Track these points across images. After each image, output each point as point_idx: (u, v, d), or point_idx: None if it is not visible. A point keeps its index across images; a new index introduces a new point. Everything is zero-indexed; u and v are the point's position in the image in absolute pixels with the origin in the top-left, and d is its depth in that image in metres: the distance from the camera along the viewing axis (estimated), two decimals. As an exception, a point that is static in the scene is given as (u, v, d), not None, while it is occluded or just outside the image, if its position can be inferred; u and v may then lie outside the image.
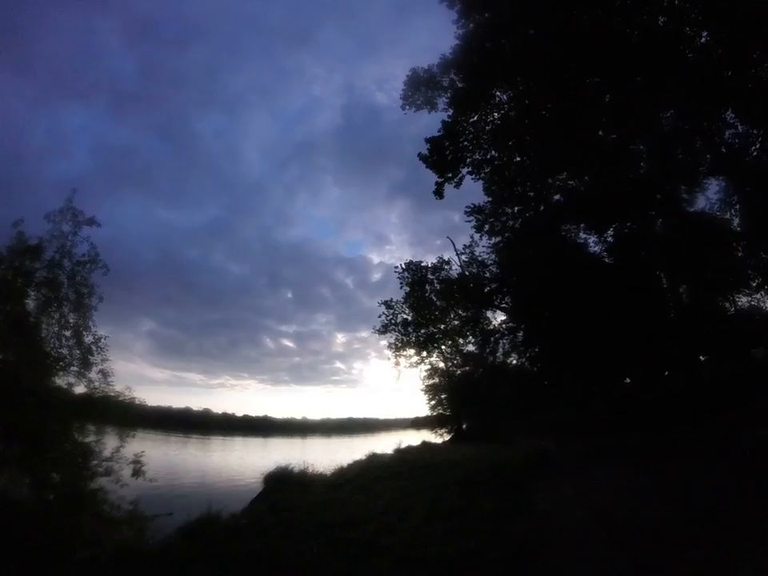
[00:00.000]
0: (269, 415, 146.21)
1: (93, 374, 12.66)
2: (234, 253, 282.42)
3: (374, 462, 19.24)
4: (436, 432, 38.79)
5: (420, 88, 19.76)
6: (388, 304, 39.31)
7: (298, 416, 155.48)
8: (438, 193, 21.50)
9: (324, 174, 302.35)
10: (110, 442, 12.45)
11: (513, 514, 7.73)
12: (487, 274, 26.65)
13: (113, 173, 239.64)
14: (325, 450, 53.99)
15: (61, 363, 12.25)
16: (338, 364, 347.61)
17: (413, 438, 44.34)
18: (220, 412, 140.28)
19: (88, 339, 12.73)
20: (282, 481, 12.69)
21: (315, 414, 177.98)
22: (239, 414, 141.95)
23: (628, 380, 20.83)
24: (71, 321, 12.47)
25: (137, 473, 12.28)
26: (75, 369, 12.41)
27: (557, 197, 21.68)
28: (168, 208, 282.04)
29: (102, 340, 13.01)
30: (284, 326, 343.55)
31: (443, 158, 20.82)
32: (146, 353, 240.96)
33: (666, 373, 20.20)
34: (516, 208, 22.59)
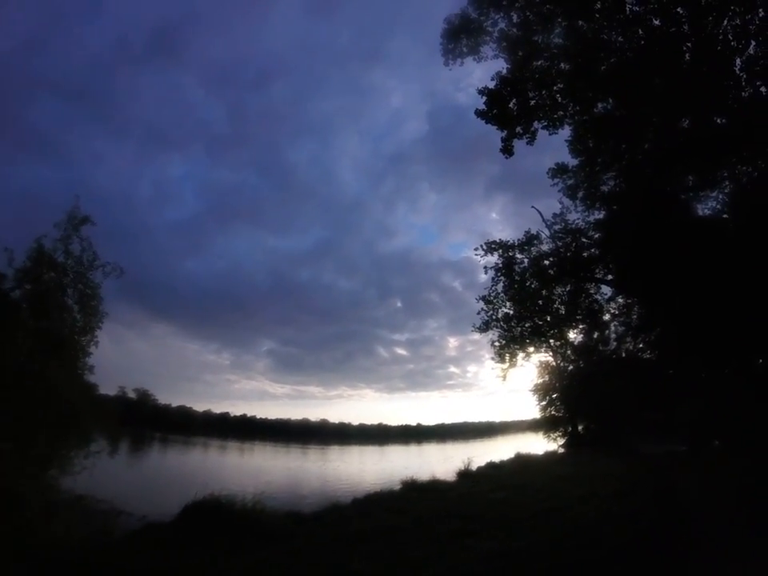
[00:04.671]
0: (383, 423, 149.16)
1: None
2: (342, 269, 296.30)
3: (401, 494, 16.37)
4: (548, 436, 35.35)
5: (460, 37, 17.56)
6: (487, 299, 36.71)
7: (413, 422, 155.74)
8: (507, 150, 19.20)
9: (419, 182, 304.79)
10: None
11: None
12: (584, 242, 23.39)
13: (220, 212, 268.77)
14: (419, 457, 52.71)
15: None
16: (452, 368, 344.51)
17: (525, 443, 41.14)
18: (337, 422, 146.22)
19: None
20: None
21: (430, 420, 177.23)
22: (355, 423, 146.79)
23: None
24: (78, 323, 13.01)
25: None
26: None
27: (655, 144, 18.17)
28: (276, 236, 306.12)
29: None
30: (396, 334, 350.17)
31: (505, 110, 18.55)
32: (267, 370, 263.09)
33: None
34: (608, 158, 19.40)
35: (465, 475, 21.29)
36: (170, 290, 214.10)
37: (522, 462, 25.83)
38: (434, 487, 17.58)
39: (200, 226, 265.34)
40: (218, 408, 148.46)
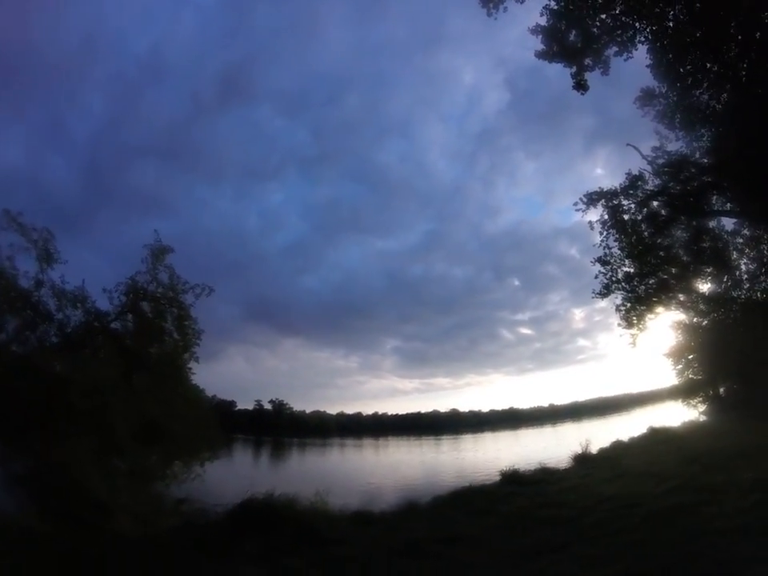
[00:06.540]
0: (514, 407, 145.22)
1: None
2: (453, 258, 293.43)
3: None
4: (688, 403, 31.77)
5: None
6: (603, 259, 34.10)
7: (545, 403, 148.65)
8: (580, 85, 18.07)
9: (514, 153, 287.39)
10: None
11: None
12: (693, 171, 20.78)
13: (325, 227, 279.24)
14: (548, 440, 50.34)
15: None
16: (581, 341, 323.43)
17: (663, 414, 37.40)
18: (467, 410, 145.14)
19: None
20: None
21: (563, 399, 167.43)
22: (485, 409, 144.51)
23: None
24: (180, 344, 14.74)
25: None
26: None
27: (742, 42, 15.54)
28: (382, 238, 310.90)
29: None
30: (518, 314, 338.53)
31: (566, 44, 17.34)
32: (395, 367, 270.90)
33: None
34: (697, 70, 16.96)
35: (581, 460, 19.37)
36: (293, 306, 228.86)
37: (654, 437, 23.14)
38: (539, 478, 15.79)
39: (309, 243, 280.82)
40: (350, 409, 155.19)
